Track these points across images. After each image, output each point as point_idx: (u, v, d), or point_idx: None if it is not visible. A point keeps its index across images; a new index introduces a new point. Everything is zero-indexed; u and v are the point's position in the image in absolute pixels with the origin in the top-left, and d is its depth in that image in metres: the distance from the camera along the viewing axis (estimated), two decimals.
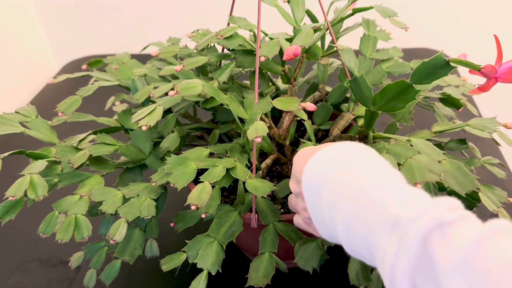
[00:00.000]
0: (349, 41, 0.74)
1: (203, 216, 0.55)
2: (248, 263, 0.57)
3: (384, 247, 0.35)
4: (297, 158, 0.49)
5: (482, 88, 0.49)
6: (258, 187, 0.55)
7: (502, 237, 0.32)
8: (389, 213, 0.36)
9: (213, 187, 0.56)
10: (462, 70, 0.48)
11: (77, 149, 0.64)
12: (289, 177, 0.68)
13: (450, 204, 0.35)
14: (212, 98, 0.59)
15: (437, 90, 0.77)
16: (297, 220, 0.54)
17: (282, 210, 0.66)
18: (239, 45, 0.64)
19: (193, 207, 0.51)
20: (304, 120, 0.64)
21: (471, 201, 0.60)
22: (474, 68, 0.48)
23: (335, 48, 0.61)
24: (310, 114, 0.76)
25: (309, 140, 0.72)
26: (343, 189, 0.41)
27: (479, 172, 0.81)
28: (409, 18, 0.72)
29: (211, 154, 0.63)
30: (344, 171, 0.42)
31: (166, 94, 0.62)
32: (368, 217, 0.37)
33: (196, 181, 0.56)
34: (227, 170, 0.56)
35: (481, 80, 0.49)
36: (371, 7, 0.64)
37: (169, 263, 0.56)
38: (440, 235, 0.33)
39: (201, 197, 0.52)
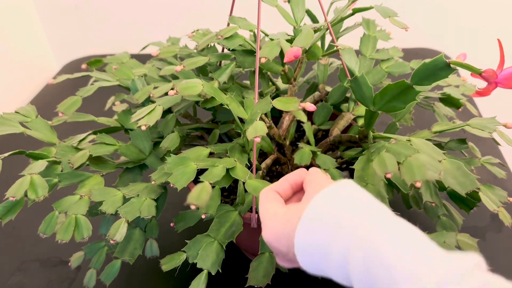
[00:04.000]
0: (349, 41, 0.74)
1: (203, 216, 0.55)
2: (248, 263, 0.57)
3: None
4: (272, 244, 0.45)
5: (482, 93, 0.49)
6: (258, 187, 0.55)
7: None
8: None
9: (213, 187, 0.56)
10: (462, 70, 0.48)
11: (77, 149, 0.64)
12: None
13: (467, 267, 0.32)
14: (212, 98, 0.59)
15: (437, 90, 0.77)
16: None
17: None
18: (239, 45, 0.64)
19: (193, 207, 0.51)
20: (302, 123, 0.63)
21: (471, 201, 0.60)
22: (475, 72, 0.48)
23: (335, 48, 0.61)
24: (310, 114, 0.76)
25: (308, 143, 0.72)
26: (349, 263, 0.37)
27: (479, 172, 0.81)
28: (409, 18, 0.72)
29: (211, 154, 0.63)
30: (339, 244, 0.38)
31: (166, 94, 0.61)
32: None
33: (195, 181, 0.56)
34: (227, 170, 0.56)
35: (482, 83, 0.49)
36: (371, 7, 0.64)
37: (169, 263, 0.56)
38: None
39: (201, 197, 0.52)
